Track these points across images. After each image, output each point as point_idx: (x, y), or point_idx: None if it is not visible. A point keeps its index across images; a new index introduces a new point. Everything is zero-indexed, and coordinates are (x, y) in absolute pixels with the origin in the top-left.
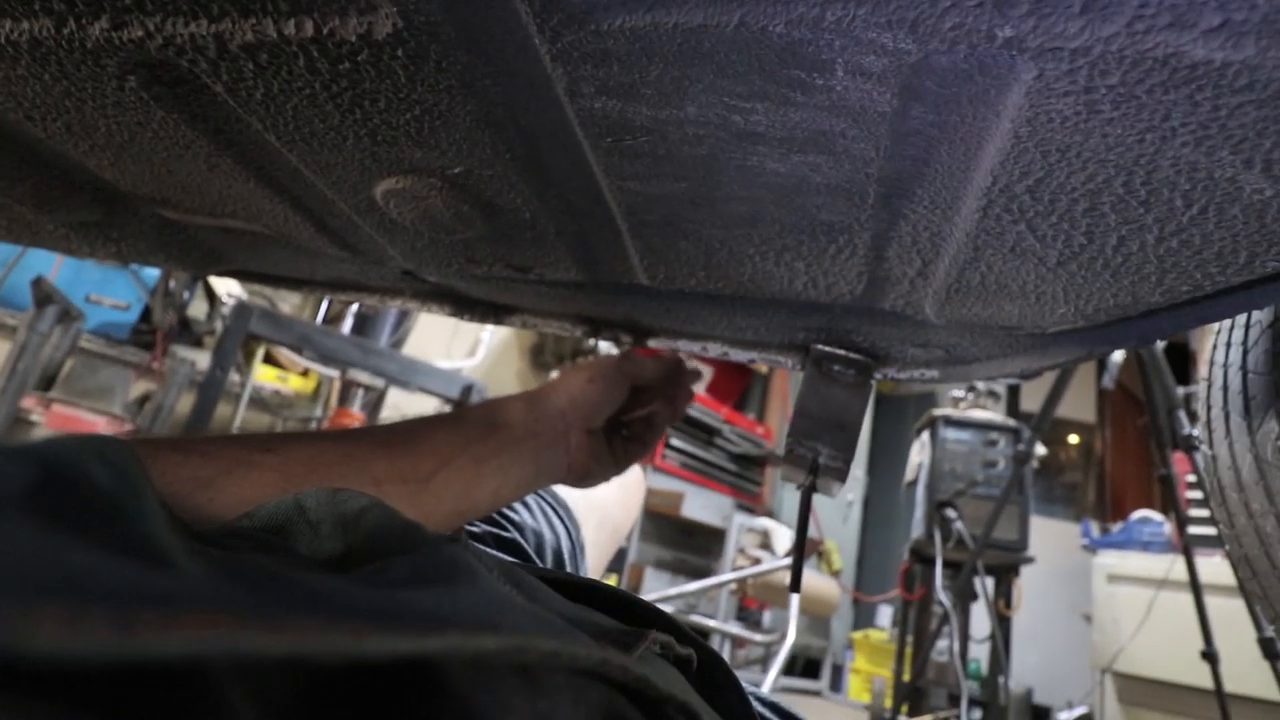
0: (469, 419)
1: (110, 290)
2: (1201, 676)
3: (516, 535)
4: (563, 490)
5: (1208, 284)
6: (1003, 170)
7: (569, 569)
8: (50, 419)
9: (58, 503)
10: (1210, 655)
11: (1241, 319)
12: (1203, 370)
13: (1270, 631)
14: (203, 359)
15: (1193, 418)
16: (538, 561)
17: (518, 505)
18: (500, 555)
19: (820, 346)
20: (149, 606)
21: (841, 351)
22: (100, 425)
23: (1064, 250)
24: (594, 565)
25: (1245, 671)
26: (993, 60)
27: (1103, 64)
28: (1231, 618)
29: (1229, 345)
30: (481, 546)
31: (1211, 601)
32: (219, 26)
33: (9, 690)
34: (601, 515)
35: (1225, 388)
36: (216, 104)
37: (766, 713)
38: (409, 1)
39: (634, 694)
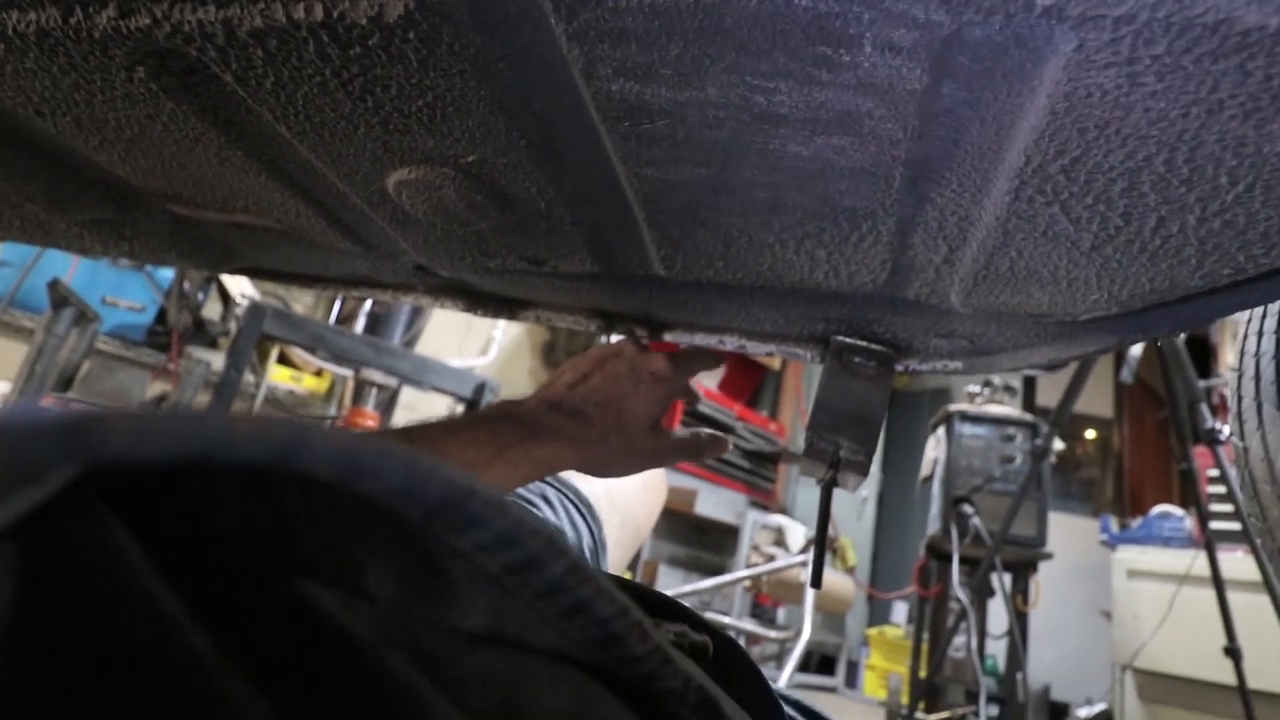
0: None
1: (125, 292)
2: (1224, 672)
3: None
4: (585, 488)
5: (1250, 267)
6: (1037, 149)
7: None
8: None
9: None
10: (1233, 651)
11: (1274, 307)
12: (1232, 360)
13: None
14: (218, 360)
15: (1214, 411)
16: None
17: (540, 503)
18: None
19: (841, 338)
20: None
21: (863, 343)
22: None
23: (1099, 233)
24: (615, 563)
25: (1268, 667)
26: (1030, 31)
27: (1148, 32)
28: (1254, 613)
29: (1260, 334)
30: None
31: (1234, 597)
32: (227, 12)
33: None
34: (624, 514)
35: (1257, 378)
36: (226, 94)
37: (789, 710)
38: None
39: (636, 686)
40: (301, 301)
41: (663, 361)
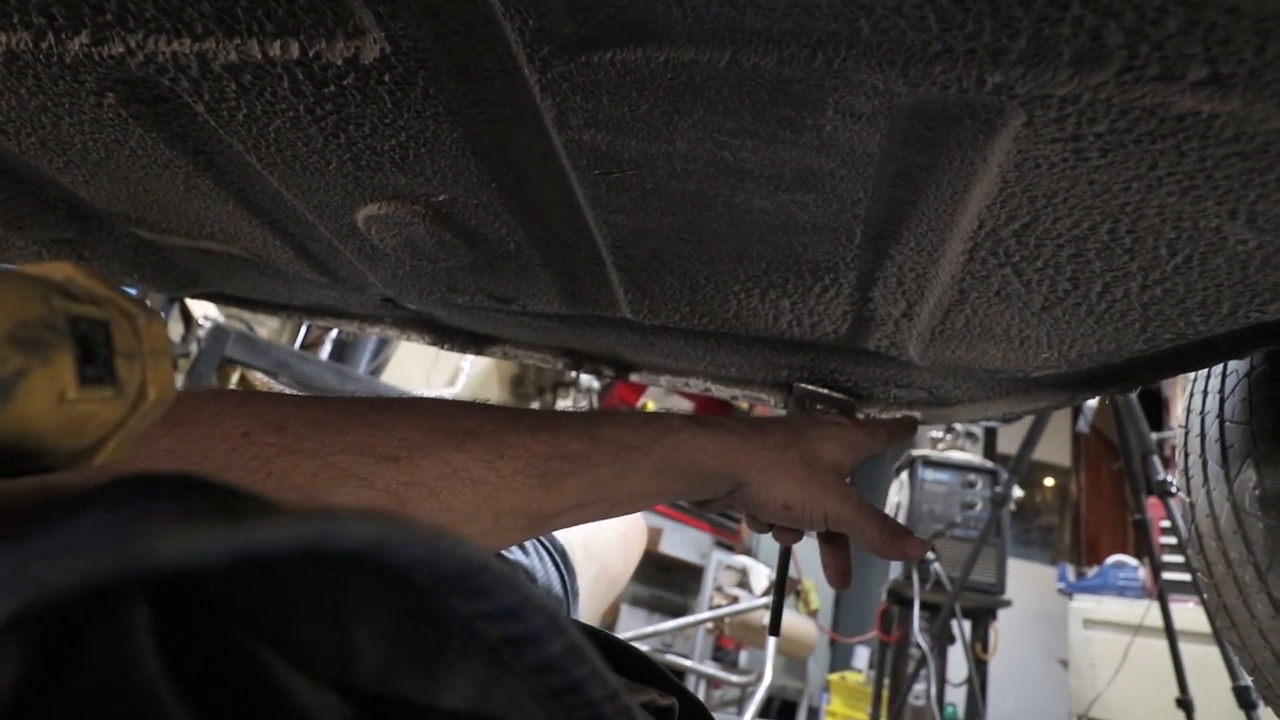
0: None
1: None
2: None
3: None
4: (561, 536)
5: (1190, 333)
6: (989, 214)
7: None
8: None
9: None
10: (1185, 703)
11: (1219, 367)
12: (1180, 418)
13: (1246, 680)
14: (176, 383)
15: (1166, 463)
16: None
17: (514, 546)
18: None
19: (803, 385)
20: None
21: (824, 390)
22: None
23: (1049, 295)
24: (588, 614)
25: (1220, 719)
26: (982, 105)
27: (1091, 112)
28: (1207, 664)
29: (1205, 393)
30: None
31: (1186, 648)
32: (202, 46)
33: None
34: (601, 565)
35: (1203, 435)
36: (197, 124)
37: None
38: (397, 27)
39: None
40: (266, 326)
41: (865, 422)
